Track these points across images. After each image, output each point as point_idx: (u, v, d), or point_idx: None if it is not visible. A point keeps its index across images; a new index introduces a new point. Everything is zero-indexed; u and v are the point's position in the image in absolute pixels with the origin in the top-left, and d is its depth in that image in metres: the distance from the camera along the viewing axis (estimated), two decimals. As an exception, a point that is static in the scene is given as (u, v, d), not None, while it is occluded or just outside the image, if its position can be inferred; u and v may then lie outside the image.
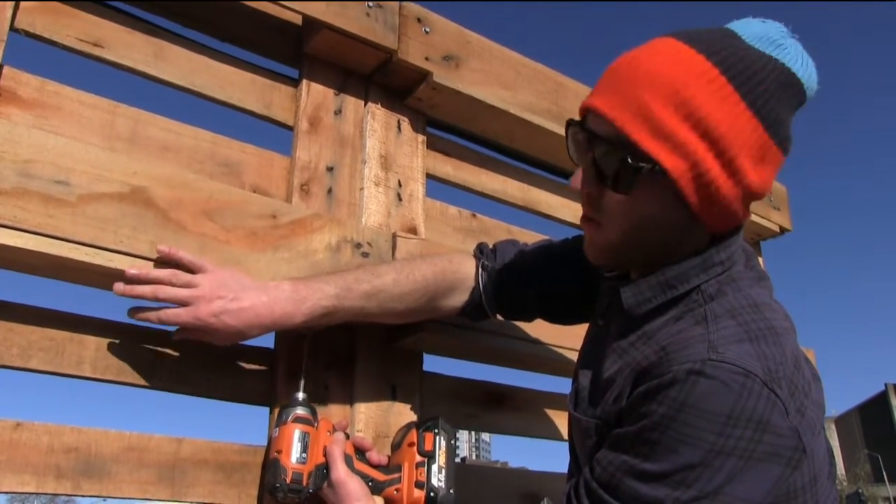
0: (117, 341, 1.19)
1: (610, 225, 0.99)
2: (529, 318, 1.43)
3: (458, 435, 1.31)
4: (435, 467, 1.22)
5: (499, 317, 1.42)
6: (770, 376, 0.85)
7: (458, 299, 1.35)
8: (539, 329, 1.58)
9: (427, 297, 1.30)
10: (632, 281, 1.03)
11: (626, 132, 0.91)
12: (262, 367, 1.33)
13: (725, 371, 0.84)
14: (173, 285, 1.11)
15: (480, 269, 1.36)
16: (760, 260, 2.27)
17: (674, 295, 0.98)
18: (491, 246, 1.41)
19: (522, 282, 1.34)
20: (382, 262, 1.38)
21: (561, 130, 1.76)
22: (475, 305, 1.36)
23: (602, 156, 0.95)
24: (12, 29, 1.20)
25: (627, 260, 1.05)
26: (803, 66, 0.94)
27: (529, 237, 1.86)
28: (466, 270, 1.36)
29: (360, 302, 1.23)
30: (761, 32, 0.94)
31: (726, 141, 0.89)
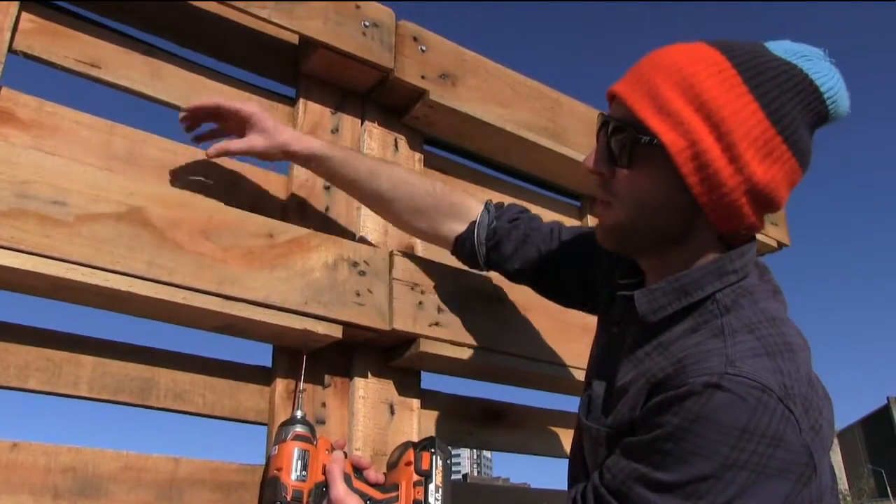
0: (114, 361, 1.20)
1: (618, 205, 1.02)
2: (515, 271, 1.40)
3: (452, 455, 1.31)
4: (432, 486, 1.22)
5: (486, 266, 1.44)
6: (785, 392, 0.85)
7: (456, 227, 1.42)
8: (537, 347, 1.58)
9: (430, 201, 1.40)
10: (647, 290, 1.03)
11: (633, 110, 0.97)
12: (260, 386, 1.33)
13: (742, 385, 0.84)
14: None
15: (484, 208, 1.42)
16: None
17: (689, 302, 0.99)
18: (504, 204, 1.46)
19: (519, 232, 1.38)
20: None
21: (557, 148, 1.79)
22: (469, 240, 1.40)
23: (612, 134, 1.01)
24: (10, 51, 1.20)
25: (634, 244, 1.06)
26: (829, 81, 0.96)
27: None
28: (474, 204, 1.43)
29: (362, 174, 1.37)
30: (792, 47, 0.97)
31: (728, 125, 0.92)
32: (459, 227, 1.41)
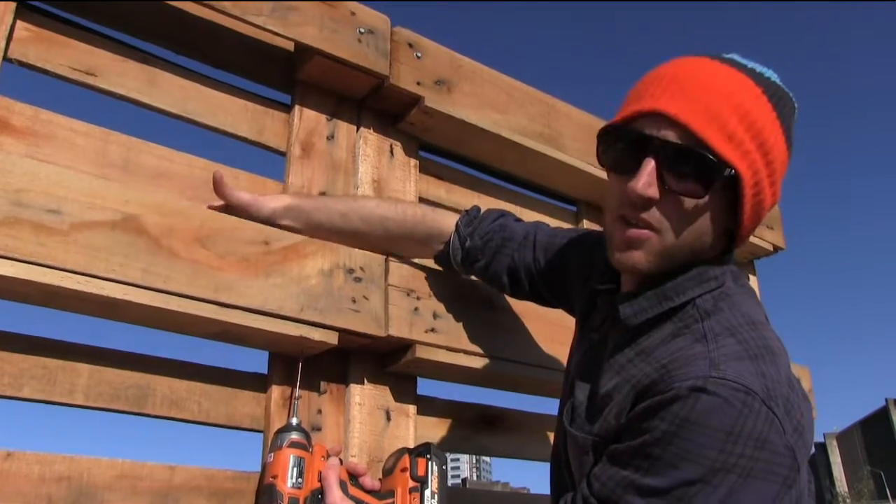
0: (110, 368, 1.19)
1: (668, 230, 0.97)
2: (491, 282, 1.45)
3: (451, 459, 1.31)
4: (427, 493, 1.22)
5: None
6: (768, 394, 0.87)
7: (433, 248, 1.46)
8: (533, 352, 1.58)
9: (405, 231, 1.43)
10: (629, 295, 1.04)
11: (701, 136, 0.92)
12: (255, 393, 1.33)
13: (727, 388, 0.86)
14: None
15: (455, 228, 1.43)
16: (754, 279, 2.28)
17: (669, 306, 1.00)
18: (482, 211, 1.46)
19: (493, 246, 1.40)
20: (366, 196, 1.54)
21: (553, 153, 1.78)
22: (446, 256, 1.45)
23: (671, 159, 0.94)
24: (6, 58, 1.21)
25: (665, 266, 1.01)
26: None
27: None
28: (447, 224, 1.44)
29: (335, 219, 1.38)
30: (770, 72, 1.00)
31: (773, 154, 0.96)
32: (438, 247, 1.45)
